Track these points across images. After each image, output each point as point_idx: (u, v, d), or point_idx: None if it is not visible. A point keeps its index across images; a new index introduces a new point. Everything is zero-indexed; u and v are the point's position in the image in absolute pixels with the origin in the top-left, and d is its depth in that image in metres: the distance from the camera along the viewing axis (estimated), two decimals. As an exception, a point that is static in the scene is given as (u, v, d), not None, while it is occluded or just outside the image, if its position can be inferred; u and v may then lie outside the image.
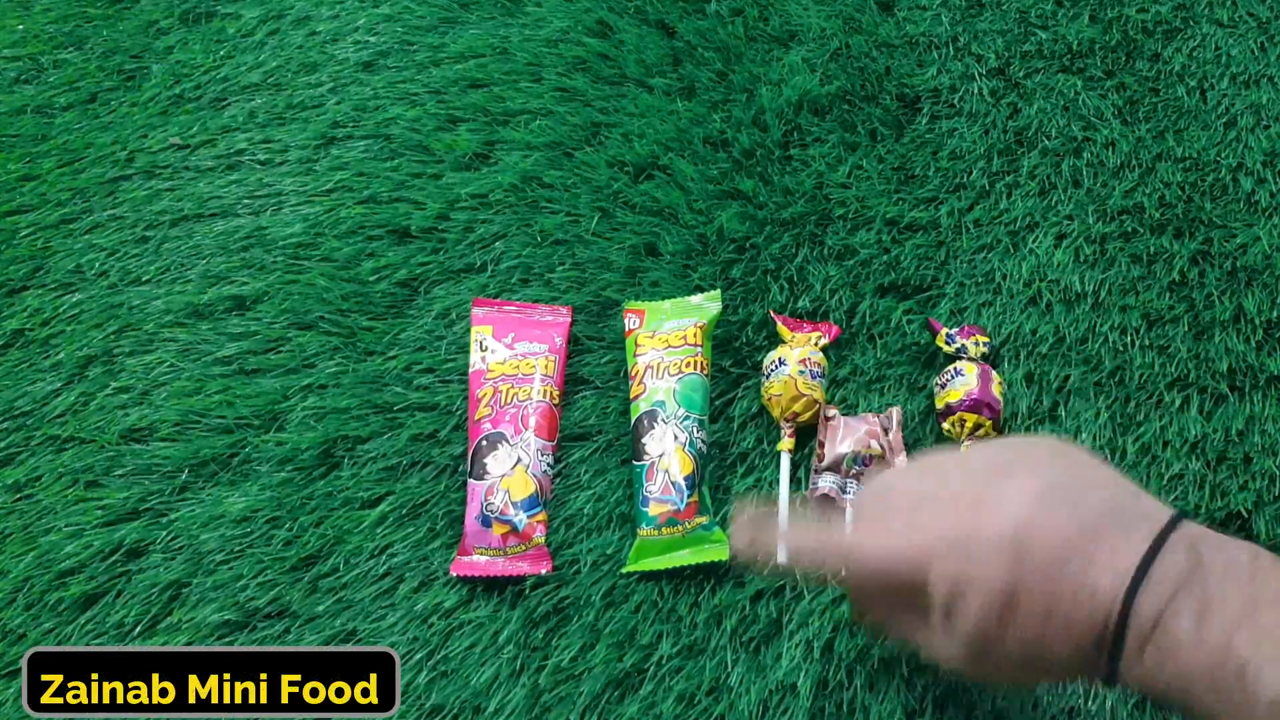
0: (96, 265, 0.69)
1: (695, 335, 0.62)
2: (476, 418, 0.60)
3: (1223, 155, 0.71)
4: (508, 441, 0.59)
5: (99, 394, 0.64)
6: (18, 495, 0.60)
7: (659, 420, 0.59)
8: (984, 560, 0.33)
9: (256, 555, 0.58)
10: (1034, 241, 0.68)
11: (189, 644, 0.55)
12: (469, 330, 0.64)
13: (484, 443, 0.59)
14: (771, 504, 0.57)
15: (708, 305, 0.64)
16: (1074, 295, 0.65)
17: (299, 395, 0.63)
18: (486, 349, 0.63)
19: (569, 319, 0.65)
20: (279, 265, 0.68)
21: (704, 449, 0.59)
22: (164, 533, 0.59)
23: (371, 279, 0.67)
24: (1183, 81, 0.75)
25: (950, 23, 0.79)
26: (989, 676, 0.37)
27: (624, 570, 0.56)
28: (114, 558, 0.58)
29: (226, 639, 0.55)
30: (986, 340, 0.62)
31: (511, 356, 0.62)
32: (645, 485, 0.57)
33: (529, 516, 0.57)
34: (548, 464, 0.59)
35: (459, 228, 0.69)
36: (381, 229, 0.69)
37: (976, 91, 0.75)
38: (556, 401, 0.61)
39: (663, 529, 0.56)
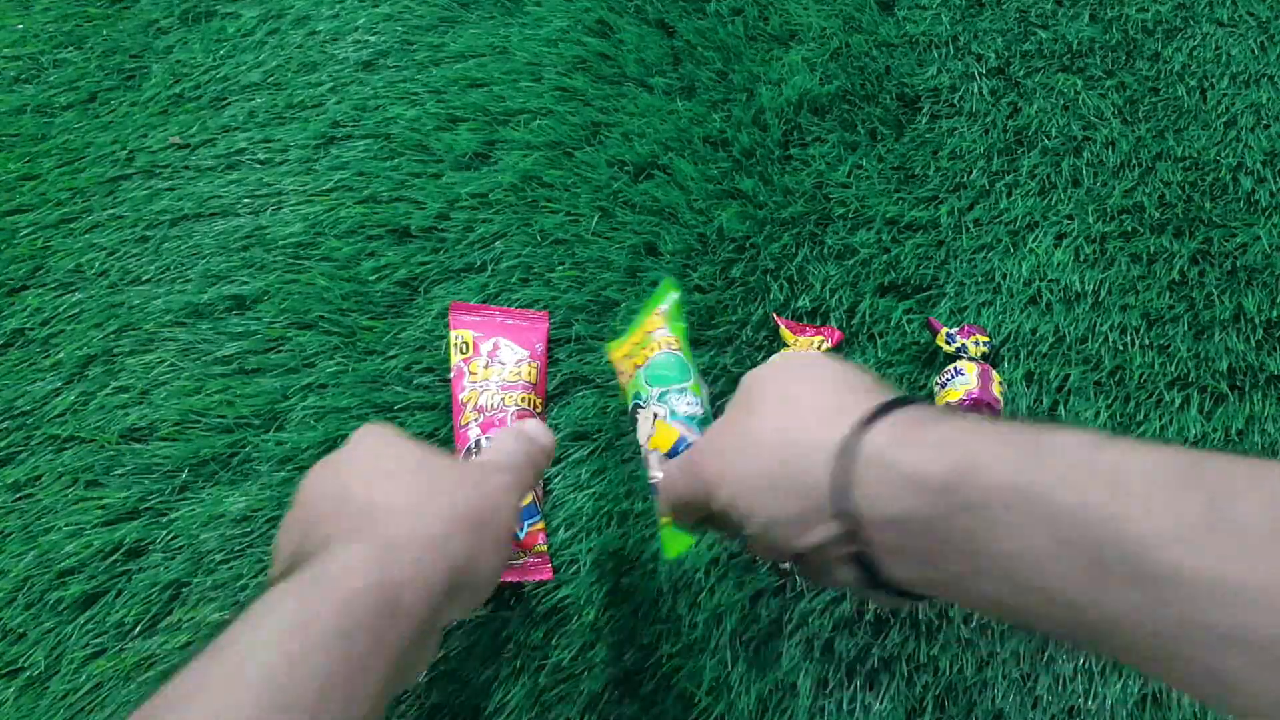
0: (96, 265, 0.69)
1: (654, 323, 0.60)
2: (462, 424, 0.60)
3: (1223, 155, 0.71)
4: None
5: (99, 394, 0.64)
6: (18, 495, 0.60)
7: (640, 410, 0.58)
8: (747, 491, 0.37)
9: (256, 555, 0.58)
10: (1034, 241, 0.68)
11: (189, 643, 0.55)
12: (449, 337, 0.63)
13: (472, 449, 0.59)
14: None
15: (661, 295, 0.60)
16: (1074, 295, 0.65)
17: (299, 395, 0.63)
18: (468, 354, 0.62)
19: (546, 323, 0.64)
20: (279, 265, 0.68)
21: (698, 408, 0.57)
22: (164, 532, 0.59)
23: (371, 278, 0.67)
24: (1183, 81, 0.75)
25: (950, 22, 0.79)
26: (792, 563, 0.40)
27: (665, 560, 0.56)
28: (114, 557, 0.58)
29: (226, 638, 0.55)
30: (986, 340, 0.62)
31: (492, 364, 0.62)
32: (648, 474, 0.57)
33: (529, 525, 0.57)
34: None
35: (459, 227, 0.69)
36: (381, 228, 0.69)
37: (976, 91, 0.75)
38: (539, 409, 0.61)
39: None
